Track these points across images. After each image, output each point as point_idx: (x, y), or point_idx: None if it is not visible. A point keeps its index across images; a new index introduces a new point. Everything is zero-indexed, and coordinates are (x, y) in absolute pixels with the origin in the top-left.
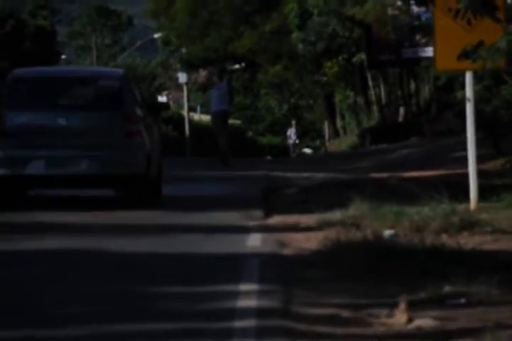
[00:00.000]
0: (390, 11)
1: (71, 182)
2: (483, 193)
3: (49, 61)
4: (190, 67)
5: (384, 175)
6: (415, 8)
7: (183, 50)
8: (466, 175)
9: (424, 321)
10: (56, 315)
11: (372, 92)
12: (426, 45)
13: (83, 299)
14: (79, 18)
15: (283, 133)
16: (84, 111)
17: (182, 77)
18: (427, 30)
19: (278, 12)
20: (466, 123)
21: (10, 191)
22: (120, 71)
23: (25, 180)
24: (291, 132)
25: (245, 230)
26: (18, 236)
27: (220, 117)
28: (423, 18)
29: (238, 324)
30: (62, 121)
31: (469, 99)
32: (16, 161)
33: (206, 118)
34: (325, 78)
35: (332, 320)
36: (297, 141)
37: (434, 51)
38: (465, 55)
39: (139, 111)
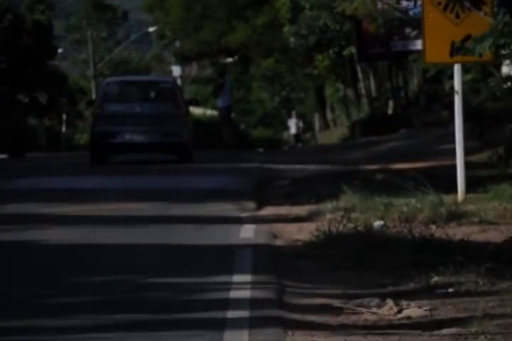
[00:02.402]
0: (379, 5)
1: (143, 147)
2: (471, 184)
3: (45, 55)
4: (184, 60)
5: (374, 166)
6: (404, 2)
7: (177, 43)
8: (454, 167)
9: (413, 311)
10: (52, 305)
11: (362, 85)
12: (415, 38)
13: (77, 290)
14: (75, 13)
15: (274, 125)
16: (151, 102)
17: (176, 70)
18: (416, 24)
19: (270, 6)
20: (454, 115)
21: (105, 154)
22: (171, 78)
23: (115, 145)
24: (292, 122)
25: (238, 221)
26: (17, 227)
27: (226, 112)
28: (411, 13)
29: (231, 314)
30: (137, 109)
31: (457, 92)
32: (110, 133)
33: (199, 111)
34: (316, 71)
35: (324, 309)
36: (299, 131)
37: (423, 44)
38: (457, 49)
39: (182, 103)
